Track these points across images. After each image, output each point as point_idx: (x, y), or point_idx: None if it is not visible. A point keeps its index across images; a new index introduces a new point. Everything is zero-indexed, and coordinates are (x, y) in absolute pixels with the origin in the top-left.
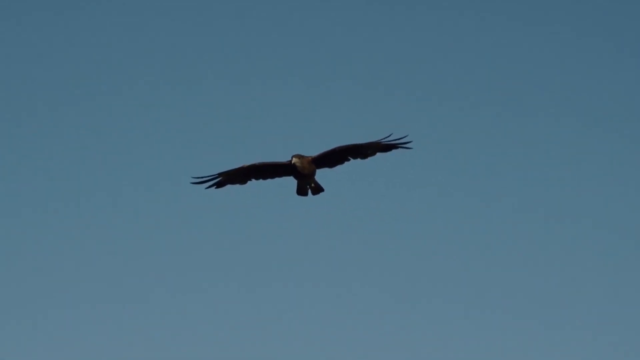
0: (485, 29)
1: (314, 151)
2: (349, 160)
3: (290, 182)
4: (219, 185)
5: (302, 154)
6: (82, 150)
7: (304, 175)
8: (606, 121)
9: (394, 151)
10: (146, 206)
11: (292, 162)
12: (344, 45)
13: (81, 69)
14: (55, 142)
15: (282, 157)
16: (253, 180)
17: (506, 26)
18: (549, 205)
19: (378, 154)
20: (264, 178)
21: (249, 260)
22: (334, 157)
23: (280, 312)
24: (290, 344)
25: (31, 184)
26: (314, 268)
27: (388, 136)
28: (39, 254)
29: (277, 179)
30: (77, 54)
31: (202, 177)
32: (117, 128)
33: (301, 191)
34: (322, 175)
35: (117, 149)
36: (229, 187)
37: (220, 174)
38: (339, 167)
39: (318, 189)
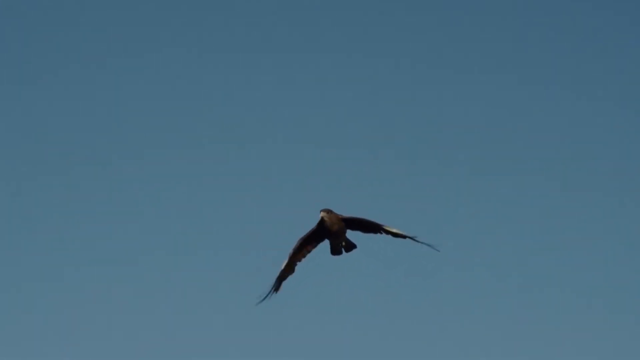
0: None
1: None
2: (376, 233)
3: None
4: (277, 289)
5: (332, 209)
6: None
7: (333, 232)
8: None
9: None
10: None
11: (320, 216)
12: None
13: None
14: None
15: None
16: (298, 263)
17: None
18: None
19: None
20: (304, 255)
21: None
22: (362, 225)
23: None
24: None
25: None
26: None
27: (414, 237)
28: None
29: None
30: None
31: (264, 296)
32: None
33: (335, 251)
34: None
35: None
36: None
37: (276, 281)
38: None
39: (350, 246)
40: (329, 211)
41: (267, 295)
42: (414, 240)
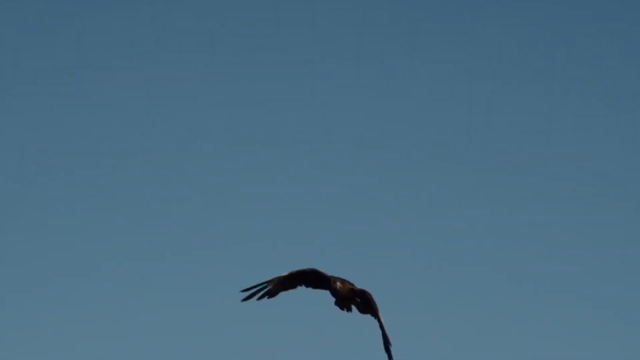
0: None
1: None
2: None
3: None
4: (270, 294)
5: (346, 280)
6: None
7: (340, 297)
8: None
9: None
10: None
11: (337, 287)
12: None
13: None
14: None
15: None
16: (303, 286)
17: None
18: None
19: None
20: (308, 286)
21: None
22: (365, 303)
23: None
24: None
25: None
26: None
27: (388, 343)
28: None
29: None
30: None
31: (250, 289)
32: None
33: (340, 306)
34: None
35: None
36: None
37: (268, 282)
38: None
39: (367, 307)
40: (342, 281)
41: (255, 291)
42: (385, 343)
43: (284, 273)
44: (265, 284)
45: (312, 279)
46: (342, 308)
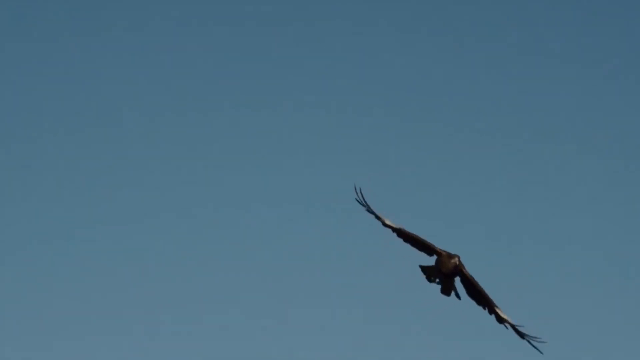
0: None
1: None
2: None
3: None
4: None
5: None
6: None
7: (442, 271)
8: None
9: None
10: None
11: (452, 261)
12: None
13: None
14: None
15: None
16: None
17: None
18: None
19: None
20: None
21: None
22: (477, 293)
23: None
24: None
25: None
26: None
27: (521, 326)
28: None
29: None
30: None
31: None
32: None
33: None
34: None
35: None
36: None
37: (379, 218)
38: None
39: (449, 290)
40: (453, 257)
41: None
42: (516, 330)
43: (393, 224)
44: (377, 218)
45: (412, 243)
46: (434, 279)
